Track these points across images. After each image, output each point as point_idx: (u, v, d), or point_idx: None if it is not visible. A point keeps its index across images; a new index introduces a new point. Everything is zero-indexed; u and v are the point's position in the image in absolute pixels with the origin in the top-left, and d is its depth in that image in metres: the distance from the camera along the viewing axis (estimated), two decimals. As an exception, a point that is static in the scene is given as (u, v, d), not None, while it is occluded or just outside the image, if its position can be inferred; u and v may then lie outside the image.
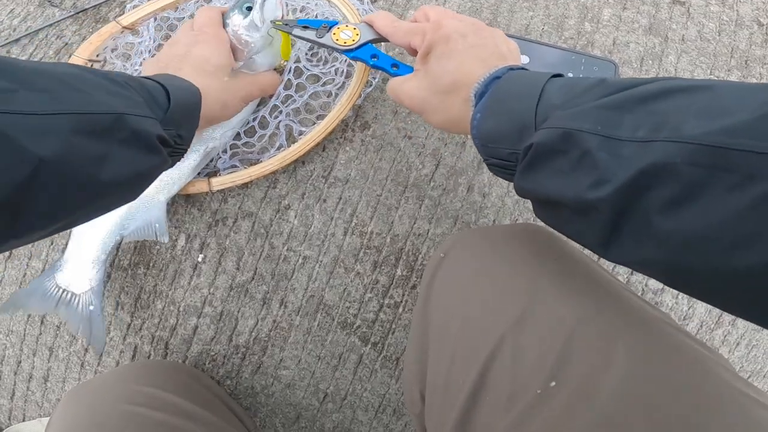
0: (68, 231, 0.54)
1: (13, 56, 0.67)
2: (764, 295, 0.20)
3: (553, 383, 0.30)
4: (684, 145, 0.21)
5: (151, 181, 0.38)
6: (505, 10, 0.60)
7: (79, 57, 0.55)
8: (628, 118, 0.25)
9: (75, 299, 0.51)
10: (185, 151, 0.42)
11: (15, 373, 0.64)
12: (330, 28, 0.47)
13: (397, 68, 0.46)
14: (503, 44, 0.39)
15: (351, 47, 0.47)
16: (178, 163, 0.48)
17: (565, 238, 0.36)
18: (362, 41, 0.47)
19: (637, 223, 0.24)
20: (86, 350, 0.61)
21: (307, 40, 0.48)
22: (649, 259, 0.24)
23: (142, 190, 0.38)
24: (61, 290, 0.52)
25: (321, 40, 0.47)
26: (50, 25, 0.62)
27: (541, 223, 0.51)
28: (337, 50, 0.47)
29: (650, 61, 0.59)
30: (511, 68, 0.35)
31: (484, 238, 0.44)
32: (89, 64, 0.56)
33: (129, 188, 0.36)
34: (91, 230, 0.52)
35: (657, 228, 0.23)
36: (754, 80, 0.61)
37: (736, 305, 0.23)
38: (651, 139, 0.23)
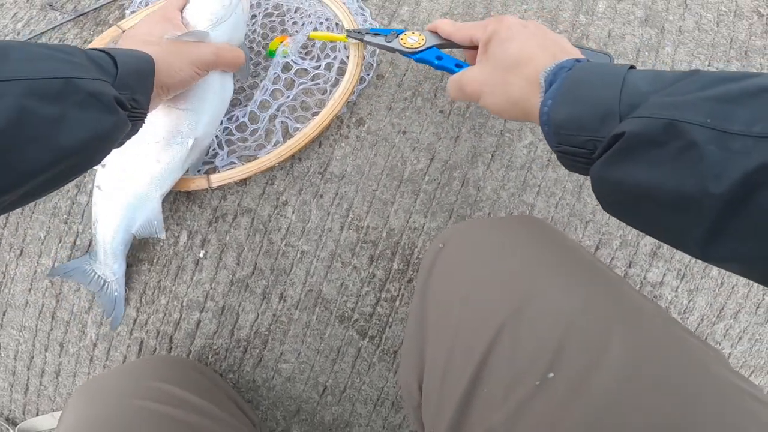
0: (93, 229, 0.57)
1: None
2: None
3: (551, 374, 0.30)
4: None
5: (113, 144, 0.38)
6: (499, 4, 0.60)
7: None
8: (742, 112, 0.24)
9: (106, 285, 0.58)
10: (144, 115, 0.42)
11: (28, 369, 0.66)
12: (398, 34, 0.51)
13: (460, 67, 0.48)
14: (565, 41, 0.40)
15: (417, 50, 0.50)
16: (165, 158, 0.49)
17: (561, 228, 0.35)
18: (428, 45, 0.50)
19: (749, 220, 0.23)
20: (95, 345, 0.63)
21: (377, 45, 0.52)
22: (757, 256, 0.23)
23: (105, 154, 0.38)
24: (96, 275, 0.58)
25: (390, 44, 0.52)
26: (52, 28, 0.65)
27: (536, 214, 0.51)
28: (404, 53, 0.51)
29: (646, 53, 0.59)
30: (578, 60, 0.35)
31: (481, 229, 0.44)
32: None
33: (91, 151, 0.36)
34: (106, 228, 0.55)
35: None
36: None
37: None
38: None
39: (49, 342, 0.64)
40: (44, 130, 0.31)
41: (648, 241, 0.55)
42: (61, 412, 0.65)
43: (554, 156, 0.55)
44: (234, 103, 0.60)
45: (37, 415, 0.67)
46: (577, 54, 0.38)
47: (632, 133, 0.27)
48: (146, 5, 0.61)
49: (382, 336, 0.58)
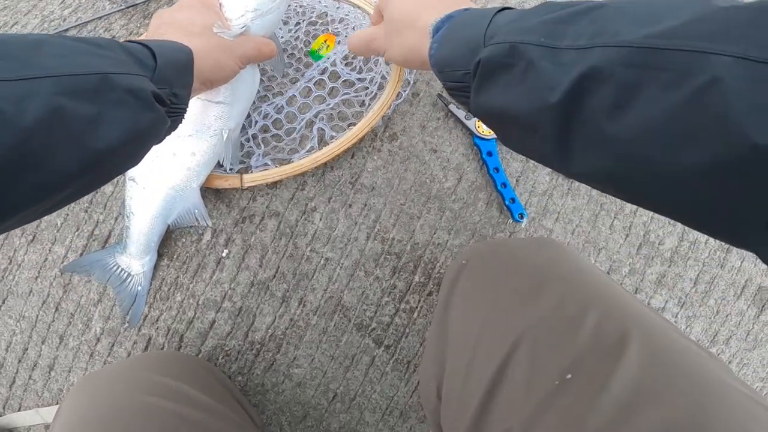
0: (126, 221, 0.55)
1: None
2: (707, 194, 0.20)
3: (569, 375, 0.32)
4: (620, 49, 0.22)
5: (154, 142, 0.37)
6: None
7: None
8: (571, 29, 0.26)
9: (129, 279, 0.57)
10: (184, 111, 0.41)
11: (19, 361, 0.63)
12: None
13: (505, 187, 0.57)
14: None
15: (488, 138, 0.58)
16: (200, 149, 0.49)
17: (576, 250, 0.38)
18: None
19: (585, 130, 0.25)
20: (98, 340, 0.61)
21: (456, 116, 0.60)
22: (600, 166, 0.25)
23: (145, 153, 0.37)
24: (119, 269, 0.57)
25: (466, 122, 0.59)
26: (99, 17, 0.64)
27: (555, 238, 0.54)
28: (475, 135, 0.58)
29: None
30: (467, 9, 0.37)
31: (503, 248, 0.47)
32: None
33: (130, 151, 0.35)
34: (143, 220, 0.54)
35: (604, 132, 0.24)
36: None
37: (682, 209, 0.23)
38: (590, 46, 0.24)
39: (48, 334, 0.62)
40: (79, 131, 0.28)
41: (653, 270, 0.59)
42: (48, 408, 0.63)
43: (574, 184, 0.58)
44: (262, 99, 0.61)
45: (19, 410, 0.64)
46: (469, 5, 0.40)
47: (485, 59, 0.30)
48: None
49: (398, 346, 0.59)
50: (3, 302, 0.62)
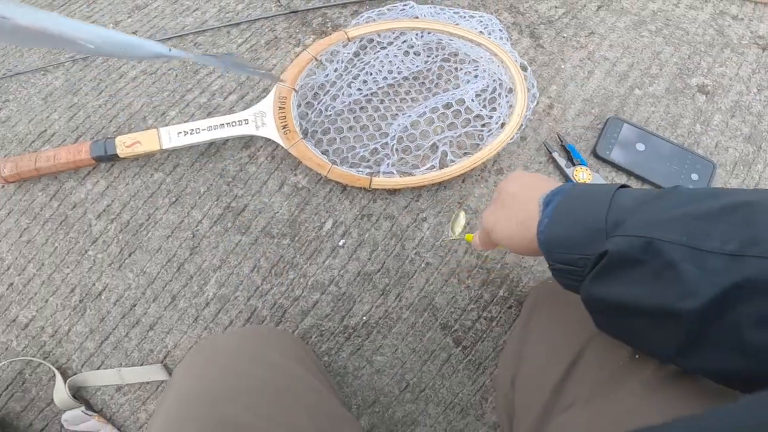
0: None
1: (231, 37, 0.79)
2: None
3: (637, 356, 0.38)
4: None
5: None
6: (632, 102, 0.76)
7: (309, 52, 0.68)
8: (717, 229, 0.25)
9: None
10: None
11: (123, 317, 0.68)
12: (578, 165, 0.69)
13: None
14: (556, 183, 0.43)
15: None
16: None
17: None
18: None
19: (724, 335, 0.24)
20: (207, 304, 0.67)
21: (557, 163, 0.69)
22: (731, 369, 0.25)
23: None
24: None
25: (566, 170, 0.68)
26: (266, 17, 0.73)
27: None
28: (572, 182, 0.65)
29: (741, 167, 0.73)
30: (575, 185, 0.38)
31: None
32: (314, 61, 0.69)
33: None
34: None
35: (744, 339, 0.23)
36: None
37: None
38: (742, 254, 0.23)
39: (162, 292, 0.68)
40: None
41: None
42: (131, 368, 0.66)
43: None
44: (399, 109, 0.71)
45: (99, 368, 0.67)
46: None
47: (614, 252, 0.28)
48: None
49: (474, 348, 0.68)
50: (129, 255, 0.69)
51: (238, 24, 0.80)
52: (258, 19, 0.74)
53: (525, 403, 0.47)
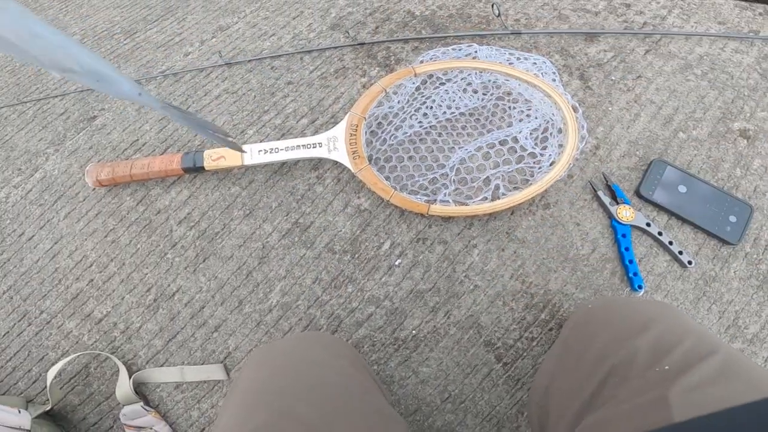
0: None
1: (304, 63, 0.87)
2: None
3: (667, 367, 0.43)
4: None
5: None
6: (676, 145, 0.81)
7: (380, 84, 0.75)
8: None
9: None
10: None
11: (192, 317, 0.75)
12: (621, 204, 0.75)
13: (632, 263, 0.72)
14: None
15: (624, 223, 0.73)
16: None
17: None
18: (635, 222, 0.73)
19: None
20: (270, 311, 0.74)
21: (602, 201, 0.75)
22: None
23: None
24: None
25: (610, 208, 0.75)
26: (335, 47, 0.81)
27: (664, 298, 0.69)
28: (614, 219, 0.74)
29: None
30: None
31: (622, 299, 0.62)
32: (383, 93, 0.76)
33: None
34: None
35: None
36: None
37: None
38: None
39: (230, 297, 0.75)
40: None
41: (734, 345, 0.75)
42: (193, 367, 0.72)
43: (686, 272, 0.74)
44: (456, 143, 0.78)
45: (163, 366, 0.73)
46: None
47: None
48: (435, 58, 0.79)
49: (514, 365, 0.73)
50: (204, 260, 0.77)
51: (310, 51, 0.88)
52: (328, 48, 0.81)
53: (559, 409, 0.51)
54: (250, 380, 0.49)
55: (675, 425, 0.30)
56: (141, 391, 0.73)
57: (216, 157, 0.76)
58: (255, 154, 0.75)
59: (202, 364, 0.73)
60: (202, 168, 0.76)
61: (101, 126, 0.87)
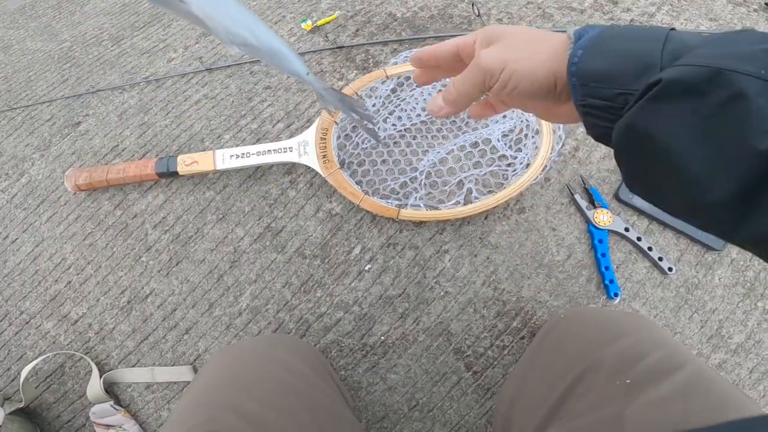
0: None
1: None
2: None
3: (628, 381, 0.41)
4: None
5: None
6: None
7: (351, 87, 0.75)
8: None
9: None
10: None
11: (164, 319, 0.75)
12: (598, 208, 0.73)
13: (607, 269, 0.70)
14: None
15: (600, 227, 0.71)
16: None
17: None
18: (613, 227, 0.71)
19: None
20: (240, 314, 0.74)
21: (579, 205, 0.73)
22: None
23: None
24: None
25: (587, 212, 0.72)
26: (314, 51, 0.81)
27: (637, 309, 0.66)
28: (591, 224, 0.72)
29: None
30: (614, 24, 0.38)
31: (597, 310, 0.59)
32: (355, 95, 0.76)
33: None
34: None
35: None
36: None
37: None
38: None
39: (201, 300, 0.76)
40: None
41: (717, 356, 0.70)
42: (163, 368, 0.73)
43: (666, 279, 0.71)
44: (429, 147, 0.76)
45: (135, 366, 0.74)
46: None
47: (671, 80, 0.25)
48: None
49: (484, 373, 0.72)
50: (177, 264, 0.77)
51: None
52: (307, 52, 0.81)
53: (522, 420, 0.50)
54: (205, 377, 0.49)
55: None
56: (113, 391, 0.74)
57: (189, 162, 0.76)
58: (227, 158, 0.75)
59: (173, 365, 0.74)
60: (176, 173, 0.76)
61: (84, 131, 0.89)
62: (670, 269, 0.69)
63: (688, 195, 0.26)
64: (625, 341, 0.46)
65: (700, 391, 0.38)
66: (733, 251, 0.71)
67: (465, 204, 0.72)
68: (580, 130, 0.79)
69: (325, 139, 0.74)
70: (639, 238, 0.70)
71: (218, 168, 0.75)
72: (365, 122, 0.55)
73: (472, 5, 0.88)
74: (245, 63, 0.90)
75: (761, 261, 0.64)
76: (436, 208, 0.72)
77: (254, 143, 0.82)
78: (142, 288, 0.77)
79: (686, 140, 0.25)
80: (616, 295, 0.68)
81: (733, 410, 0.35)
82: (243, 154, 0.75)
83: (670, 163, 0.26)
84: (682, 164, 0.25)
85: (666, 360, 0.42)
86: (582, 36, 0.32)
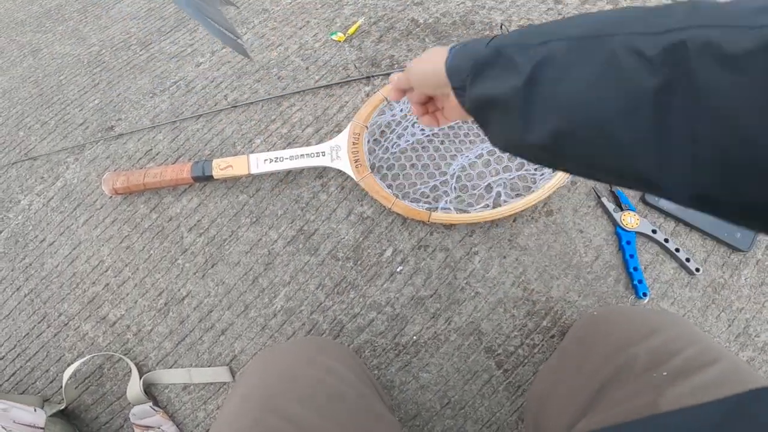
0: None
1: (309, 73, 0.89)
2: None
3: (665, 373, 0.43)
4: (562, 41, 0.33)
5: None
6: None
7: (381, 93, 0.78)
8: (535, 33, 0.36)
9: None
10: None
11: (200, 321, 0.77)
12: (625, 210, 0.75)
13: (636, 270, 0.71)
14: None
15: (629, 230, 0.73)
16: None
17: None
18: (641, 229, 0.73)
19: (543, 95, 0.34)
20: (275, 315, 0.76)
21: (606, 207, 0.75)
22: (555, 128, 0.33)
23: None
24: None
25: (614, 215, 0.74)
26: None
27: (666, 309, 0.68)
28: (618, 226, 0.74)
29: None
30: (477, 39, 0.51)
31: (628, 308, 0.61)
32: (385, 101, 0.78)
33: None
34: None
35: (558, 96, 0.33)
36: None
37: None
38: (547, 41, 0.34)
39: (237, 302, 0.77)
40: None
41: (745, 354, 0.72)
42: (200, 369, 0.75)
43: (692, 280, 0.73)
44: (458, 151, 0.78)
45: (172, 367, 0.76)
46: None
47: (476, 60, 0.40)
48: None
49: (514, 371, 0.73)
50: (213, 266, 0.79)
51: (315, 61, 0.89)
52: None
53: (555, 417, 0.52)
54: (246, 383, 0.51)
55: (654, 415, 0.32)
56: (150, 392, 0.76)
57: (224, 166, 0.78)
58: (261, 163, 0.77)
59: (209, 366, 0.76)
60: (211, 176, 0.78)
61: (117, 136, 0.91)
62: (697, 270, 0.71)
63: (505, 125, 0.39)
64: (658, 338, 0.48)
65: (737, 381, 0.40)
66: (759, 252, 0.73)
67: (494, 207, 0.74)
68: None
69: (357, 143, 0.76)
70: (666, 240, 0.72)
71: (252, 172, 0.77)
72: (226, 31, 0.52)
73: (501, 26, 0.90)
74: (273, 68, 0.92)
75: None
76: (466, 212, 0.74)
77: (285, 147, 0.84)
78: (179, 290, 0.79)
79: (491, 89, 0.39)
80: (644, 294, 0.70)
81: None
82: (276, 158, 0.77)
83: (490, 104, 0.40)
84: (495, 102, 0.39)
85: (701, 355, 0.44)
86: (452, 49, 0.47)
